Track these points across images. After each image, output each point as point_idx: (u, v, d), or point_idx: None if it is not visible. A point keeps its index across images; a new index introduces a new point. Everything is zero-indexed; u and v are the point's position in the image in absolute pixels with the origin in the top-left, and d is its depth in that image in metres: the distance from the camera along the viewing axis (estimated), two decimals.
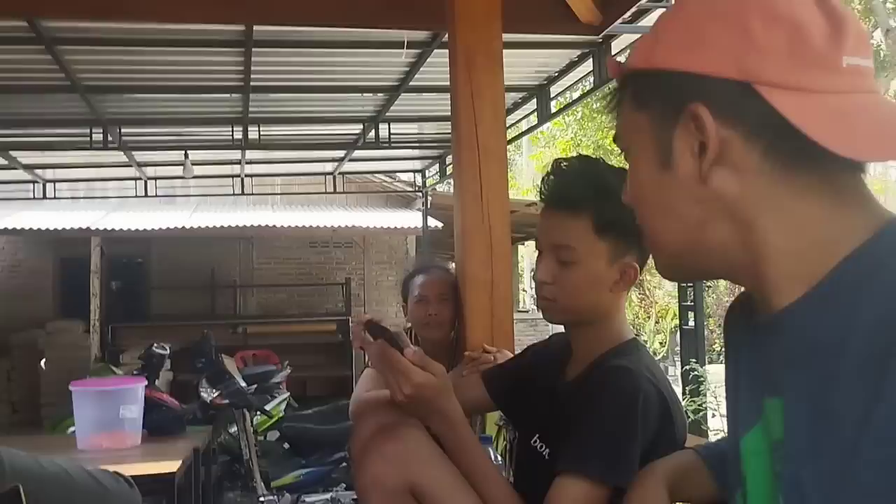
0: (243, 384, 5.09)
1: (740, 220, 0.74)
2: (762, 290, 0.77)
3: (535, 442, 1.53)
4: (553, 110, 6.31)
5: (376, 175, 11.17)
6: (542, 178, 1.53)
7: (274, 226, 9.87)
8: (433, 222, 10.33)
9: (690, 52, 0.74)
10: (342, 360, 11.12)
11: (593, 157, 1.57)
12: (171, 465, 3.30)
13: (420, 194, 10.53)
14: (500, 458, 2.23)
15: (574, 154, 1.55)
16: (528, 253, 16.13)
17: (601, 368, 1.40)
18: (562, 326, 1.59)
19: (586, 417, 1.35)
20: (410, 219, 10.80)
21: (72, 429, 4.64)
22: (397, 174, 11.18)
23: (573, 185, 1.46)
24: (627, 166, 0.86)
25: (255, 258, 12.08)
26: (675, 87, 0.75)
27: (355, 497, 5.22)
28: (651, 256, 0.87)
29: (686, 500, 1.15)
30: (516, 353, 2.63)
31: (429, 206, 10.25)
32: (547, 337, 1.72)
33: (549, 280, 1.48)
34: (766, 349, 0.78)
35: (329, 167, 9.54)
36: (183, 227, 9.52)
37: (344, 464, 5.30)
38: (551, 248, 1.49)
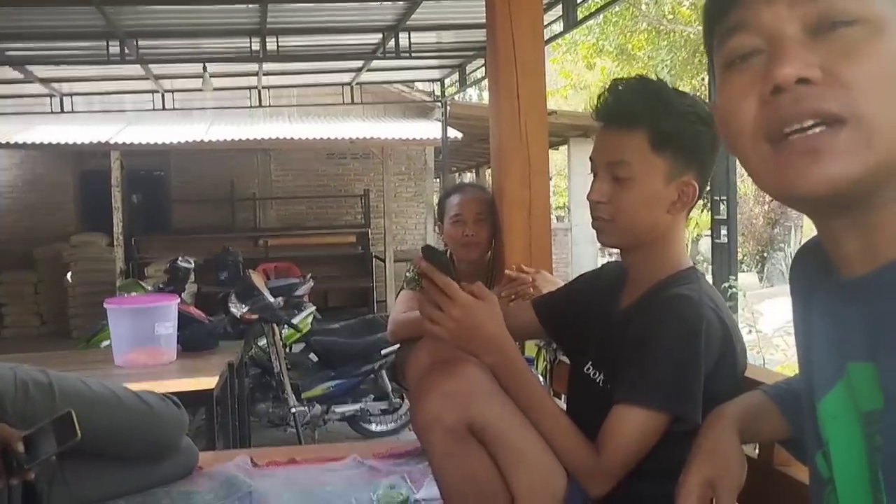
0: (271, 299, 5.14)
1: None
2: (866, 240, 0.73)
3: (589, 369, 1.53)
4: (579, 17, 6.12)
5: (394, 85, 10.99)
6: (598, 97, 1.48)
7: (291, 138, 9.78)
8: (452, 133, 10.20)
9: None
10: (363, 271, 11.21)
11: (651, 77, 1.51)
12: (209, 382, 3.38)
13: (439, 104, 10.38)
14: (541, 378, 2.26)
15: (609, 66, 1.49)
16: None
17: (661, 296, 1.38)
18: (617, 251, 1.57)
19: (647, 347, 1.34)
20: (429, 129, 10.67)
21: (105, 342, 4.74)
22: (415, 84, 11.00)
23: (630, 100, 1.42)
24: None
25: (272, 170, 12.04)
26: None
27: (383, 407, 5.39)
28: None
29: (758, 440, 1.15)
30: (552, 272, 2.65)
31: (448, 116, 10.12)
32: (598, 266, 1.70)
33: (604, 199, 1.44)
34: (853, 308, 0.74)
35: (346, 78, 9.40)
36: (201, 141, 9.46)
37: (372, 375, 5.40)
38: (606, 165, 1.45)
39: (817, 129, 0.67)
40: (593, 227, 1.49)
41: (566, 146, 13.14)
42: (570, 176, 13.37)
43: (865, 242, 0.73)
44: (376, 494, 2.14)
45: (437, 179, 12.96)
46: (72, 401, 2.05)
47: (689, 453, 1.11)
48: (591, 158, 1.49)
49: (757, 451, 1.38)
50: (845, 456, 0.75)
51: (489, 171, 16.04)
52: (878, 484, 0.70)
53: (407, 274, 2.76)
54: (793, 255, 0.91)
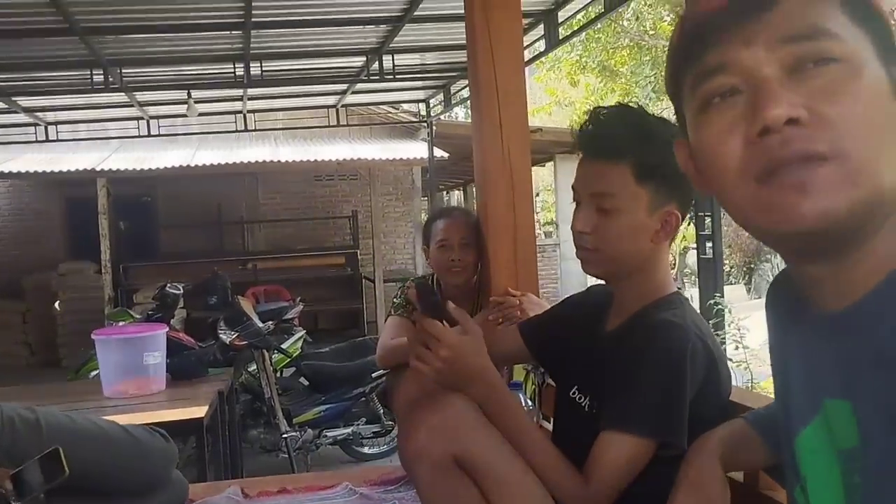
0: (260, 325, 5.13)
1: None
2: (838, 276, 0.73)
3: (574, 393, 1.54)
4: (560, 36, 6.17)
5: (380, 106, 11.02)
6: (581, 127, 1.49)
7: (278, 161, 9.79)
8: (439, 152, 10.24)
9: None
10: (352, 292, 11.20)
11: (632, 104, 1.53)
12: (199, 411, 3.37)
13: (425, 125, 10.42)
14: (530, 402, 2.27)
15: (609, 102, 1.50)
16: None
17: (646, 322, 1.40)
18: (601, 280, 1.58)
19: (634, 374, 1.35)
20: (415, 149, 10.70)
21: (94, 373, 4.72)
22: (401, 105, 11.04)
23: (613, 132, 1.44)
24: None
25: (260, 193, 12.04)
26: None
27: (376, 430, 5.37)
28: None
29: (741, 468, 1.16)
30: (539, 294, 2.67)
31: (434, 135, 10.16)
32: (584, 288, 1.71)
33: (588, 230, 1.46)
34: (828, 344, 0.74)
35: (331, 100, 9.42)
36: (188, 166, 9.46)
37: (363, 399, 5.38)
38: (590, 196, 1.46)
39: (805, 167, 0.68)
40: (577, 256, 1.50)
41: (552, 163, 13.21)
42: (556, 192, 13.44)
43: (839, 279, 0.73)
44: None
45: (425, 198, 13.00)
46: (59, 436, 2.04)
47: (674, 483, 1.12)
48: (573, 188, 1.50)
49: (742, 475, 1.39)
50: (823, 492, 0.75)
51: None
52: None
53: (395, 300, 2.77)
54: (777, 270, 0.91)
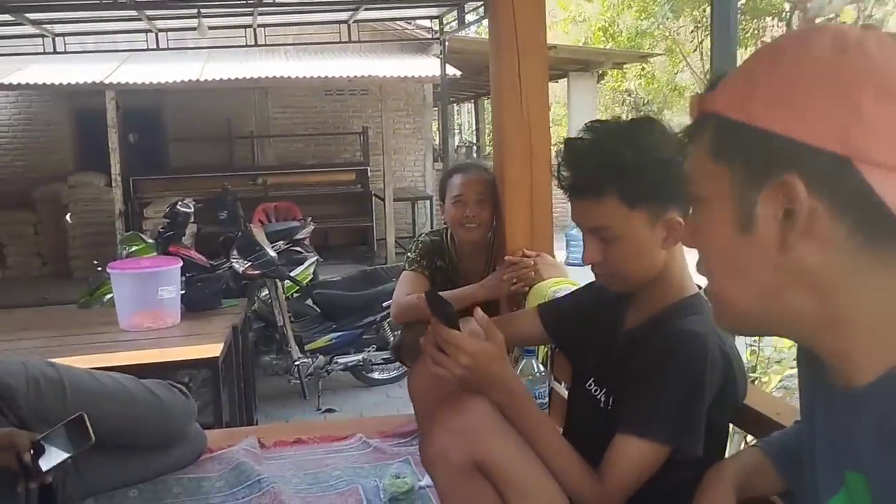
0: (273, 254, 5.17)
1: (819, 292, 0.72)
2: (840, 363, 0.75)
3: (591, 385, 1.57)
4: None
5: (393, 22, 10.77)
6: (558, 167, 1.49)
7: (289, 76, 9.63)
8: (451, 69, 10.06)
9: (792, 116, 0.70)
10: (362, 210, 11.20)
11: (603, 127, 1.50)
12: (214, 349, 3.43)
13: (437, 41, 10.19)
14: (542, 367, 2.30)
15: (584, 127, 1.47)
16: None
17: (668, 328, 1.41)
18: None
19: (653, 380, 1.37)
20: (427, 66, 10.51)
21: (108, 296, 4.77)
22: (414, 20, 10.78)
23: (589, 171, 1.44)
24: (694, 212, 0.82)
25: (270, 108, 11.91)
26: (767, 149, 0.71)
27: (385, 356, 5.47)
28: (714, 307, 0.83)
29: (754, 496, 1.19)
30: (555, 255, 2.67)
31: (446, 52, 9.95)
32: None
33: (598, 259, 1.48)
34: (845, 420, 0.76)
35: (343, 16, 9.20)
36: (197, 80, 9.33)
37: (373, 327, 5.46)
38: (589, 231, 1.48)
39: None
40: (597, 281, 1.52)
41: (566, 79, 12.98)
42: (569, 107, 13.24)
43: (841, 366, 0.76)
44: (382, 483, 2.20)
45: (436, 109, 12.82)
46: (82, 396, 2.10)
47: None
48: (573, 220, 1.52)
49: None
50: None
51: (489, 100, 15.80)
52: None
53: (409, 255, 2.77)
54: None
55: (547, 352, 2.38)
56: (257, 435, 2.61)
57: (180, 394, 2.33)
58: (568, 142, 1.48)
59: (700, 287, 1.54)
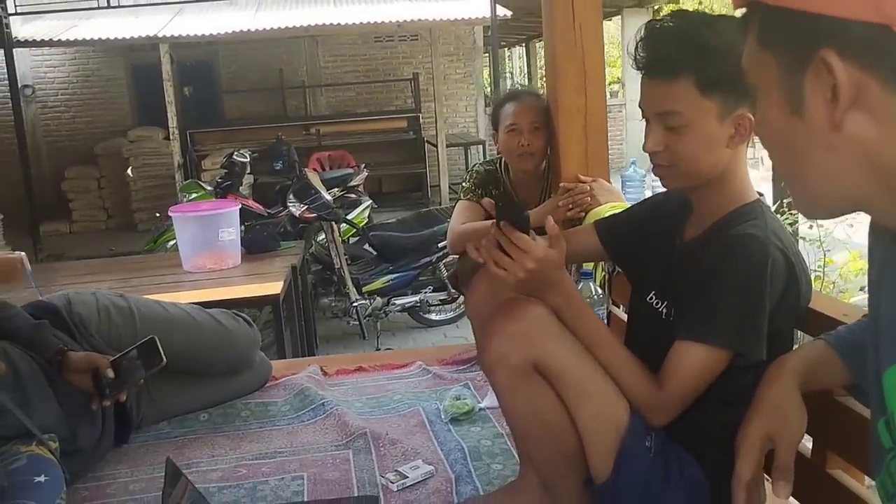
0: (328, 197, 5.22)
1: (879, 165, 0.71)
2: None
3: (651, 298, 1.56)
4: None
5: None
6: (636, 45, 1.45)
7: (338, 23, 9.60)
8: (501, 10, 9.89)
9: None
10: (415, 156, 11.20)
11: (687, 12, 1.47)
12: (275, 287, 3.50)
13: None
14: (599, 290, 2.29)
15: (668, 13, 1.44)
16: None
17: (726, 233, 1.39)
18: None
19: (713, 285, 1.36)
20: (477, 7, 10.35)
21: (171, 242, 4.90)
22: None
23: (669, 49, 1.39)
24: (758, 104, 0.81)
25: (320, 56, 11.91)
26: (805, 30, 0.70)
27: (442, 298, 5.52)
28: (791, 193, 0.83)
29: (818, 388, 1.18)
30: (611, 181, 2.64)
31: None
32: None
33: (660, 148, 1.44)
34: None
35: None
36: (248, 30, 9.37)
37: (430, 267, 5.50)
38: (657, 115, 1.44)
39: None
40: (654, 174, 1.49)
41: (619, 17, 12.69)
42: (623, 48, 12.96)
43: None
44: (443, 405, 2.24)
45: (486, 55, 12.67)
46: (151, 324, 2.17)
47: (750, 405, 1.14)
48: (640, 106, 1.47)
49: None
50: None
51: (540, 44, 15.51)
52: None
53: (464, 184, 2.77)
54: None
55: (605, 275, 2.38)
56: (319, 364, 2.67)
57: (244, 322, 2.40)
58: (649, 22, 1.45)
59: (760, 194, 1.51)
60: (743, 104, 1.39)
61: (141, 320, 2.17)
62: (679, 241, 1.53)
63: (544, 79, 2.68)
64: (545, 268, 1.39)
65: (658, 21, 1.44)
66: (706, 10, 1.78)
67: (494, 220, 1.44)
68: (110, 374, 1.92)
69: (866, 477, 1.35)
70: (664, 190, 1.64)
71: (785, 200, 3.46)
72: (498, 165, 2.76)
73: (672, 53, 1.38)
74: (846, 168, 0.73)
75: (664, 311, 1.51)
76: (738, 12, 0.82)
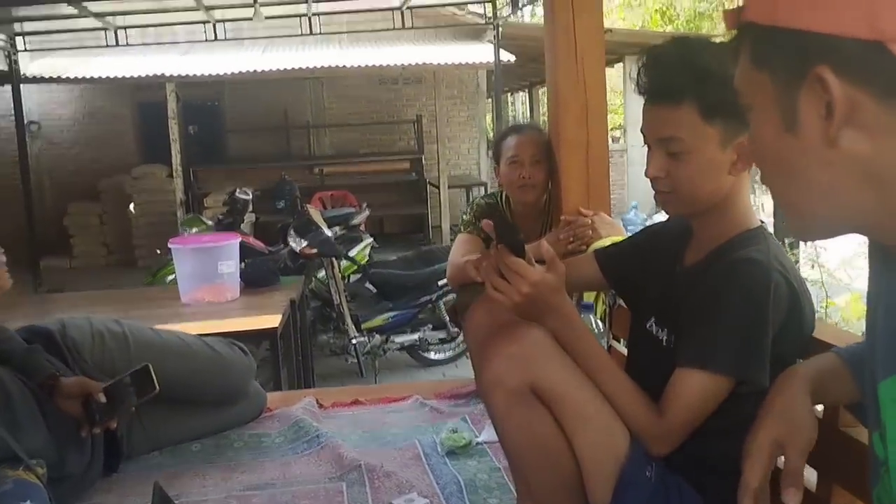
0: (329, 233, 5.22)
1: (876, 181, 0.71)
2: None
3: (651, 325, 1.53)
4: None
5: (445, 8, 10.76)
6: (638, 71, 1.45)
7: (343, 66, 9.72)
8: (505, 55, 10.00)
9: (816, 9, 0.69)
10: (417, 198, 11.25)
11: (689, 37, 1.47)
12: (273, 320, 3.47)
13: (491, 26, 10.14)
14: (600, 323, 2.27)
15: (667, 35, 1.45)
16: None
17: (728, 259, 1.37)
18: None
19: (714, 311, 1.34)
20: (481, 52, 10.47)
21: (171, 277, 4.88)
22: (467, 6, 10.75)
23: (671, 75, 1.39)
24: (751, 124, 0.82)
25: (325, 98, 12.02)
26: (799, 48, 0.71)
27: (441, 336, 5.48)
28: (784, 216, 0.83)
29: (829, 403, 1.15)
30: (611, 212, 2.63)
31: (500, 37, 9.90)
32: (664, 219, 1.67)
33: (661, 174, 1.43)
34: None
35: (396, 2, 9.23)
36: (254, 71, 9.47)
37: (430, 306, 5.47)
38: (659, 141, 1.43)
39: None
40: (656, 200, 1.48)
41: (621, 64, 12.82)
42: (625, 94, 13.08)
43: None
44: (439, 437, 2.20)
45: (490, 100, 12.77)
46: (145, 350, 2.14)
47: (759, 412, 1.11)
48: (641, 132, 1.47)
49: (822, 410, 1.38)
50: None
51: (543, 90, 15.66)
52: None
53: (464, 217, 2.77)
54: None
55: (605, 309, 2.35)
56: (315, 396, 2.63)
57: (240, 351, 2.37)
58: (652, 48, 1.45)
59: (763, 222, 1.50)
60: (745, 131, 1.38)
61: (135, 346, 2.14)
62: (679, 268, 1.51)
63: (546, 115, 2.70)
64: (542, 291, 1.37)
65: (660, 47, 1.44)
66: (707, 37, 1.81)
67: (494, 242, 1.42)
68: (102, 399, 1.89)
69: None
70: (665, 218, 1.63)
71: (786, 240, 3.47)
72: (499, 199, 2.76)
73: (675, 79, 1.38)
74: (841, 184, 0.73)
75: (664, 338, 1.49)
76: (730, 34, 0.83)
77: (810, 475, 1.40)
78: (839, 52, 0.68)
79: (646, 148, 1.47)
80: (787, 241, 3.38)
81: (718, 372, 1.33)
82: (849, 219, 0.76)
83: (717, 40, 1.53)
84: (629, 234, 2.15)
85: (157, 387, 1.92)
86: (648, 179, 1.45)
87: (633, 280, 1.66)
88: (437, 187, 10.60)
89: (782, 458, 1.10)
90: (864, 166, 0.71)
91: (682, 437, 1.36)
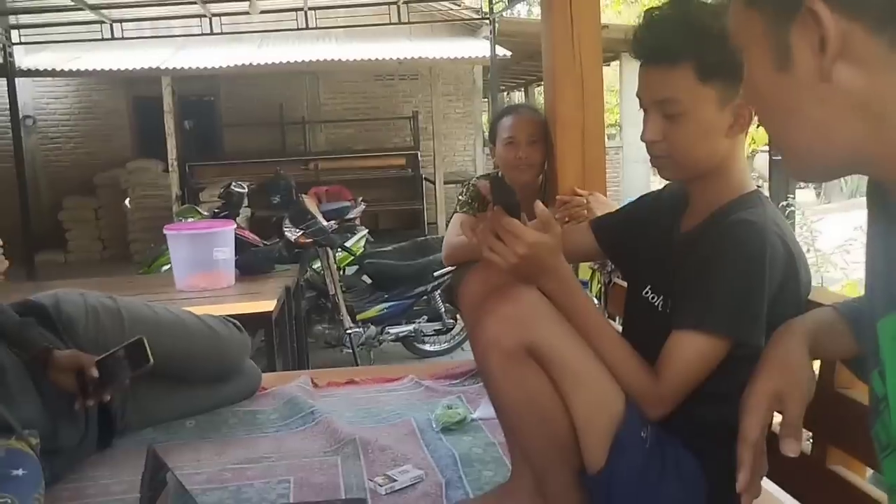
0: (324, 223, 5.21)
1: (871, 114, 0.70)
2: None
3: (647, 293, 1.53)
4: None
5: (441, 3, 10.77)
6: (634, 33, 1.44)
7: (339, 59, 9.71)
8: (501, 51, 10.01)
9: None
10: (413, 193, 11.24)
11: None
12: (268, 305, 3.46)
13: (487, 21, 10.15)
14: (596, 301, 2.27)
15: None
16: None
17: (724, 221, 1.36)
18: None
19: (710, 272, 1.33)
20: (477, 48, 10.48)
21: (165, 267, 4.87)
22: (463, 1, 10.76)
23: (668, 35, 1.38)
24: (745, 67, 0.81)
25: (321, 93, 12.02)
26: None
27: (437, 328, 5.47)
28: (781, 157, 0.82)
29: (826, 357, 1.15)
30: (606, 195, 2.63)
31: (496, 33, 9.90)
32: (662, 186, 1.67)
33: (658, 138, 1.42)
34: None
35: None
36: (250, 64, 9.46)
37: (425, 297, 5.47)
38: (655, 104, 1.42)
39: None
40: (652, 164, 1.47)
41: (618, 62, 12.82)
42: (621, 92, 13.09)
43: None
44: (434, 414, 2.20)
45: (486, 99, 12.78)
46: (140, 326, 2.13)
47: (757, 365, 1.11)
48: (637, 95, 1.46)
49: (818, 373, 1.38)
50: (895, 376, 0.76)
51: (539, 89, 15.66)
52: None
53: (460, 197, 2.76)
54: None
55: (601, 287, 2.35)
56: (311, 376, 2.62)
57: (234, 328, 2.36)
58: (648, 9, 1.44)
59: (759, 186, 1.49)
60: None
61: (129, 322, 2.13)
62: (676, 233, 1.51)
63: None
64: (538, 253, 1.36)
65: (657, 8, 1.43)
66: None
67: (492, 203, 1.42)
68: (95, 373, 1.88)
69: (868, 470, 1.31)
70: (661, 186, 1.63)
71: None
72: (497, 175, 2.75)
73: (670, 39, 1.37)
74: (837, 120, 0.72)
75: (660, 304, 1.48)
76: None
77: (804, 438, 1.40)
78: None
79: (642, 112, 1.46)
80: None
81: (714, 332, 1.32)
82: (846, 156, 0.75)
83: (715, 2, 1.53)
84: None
85: (151, 360, 1.91)
86: (644, 143, 1.45)
87: (629, 249, 1.65)
88: (433, 183, 10.60)
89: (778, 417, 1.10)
90: (858, 100, 0.70)
91: (678, 400, 1.36)
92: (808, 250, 3.62)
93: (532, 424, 1.40)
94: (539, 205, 1.43)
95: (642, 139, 1.45)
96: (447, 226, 9.36)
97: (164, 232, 3.99)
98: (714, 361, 1.34)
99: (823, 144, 0.75)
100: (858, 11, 0.67)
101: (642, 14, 1.43)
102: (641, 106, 1.46)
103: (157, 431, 2.21)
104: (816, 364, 1.25)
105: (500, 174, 2.74)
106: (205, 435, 2.18)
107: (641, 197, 1.74)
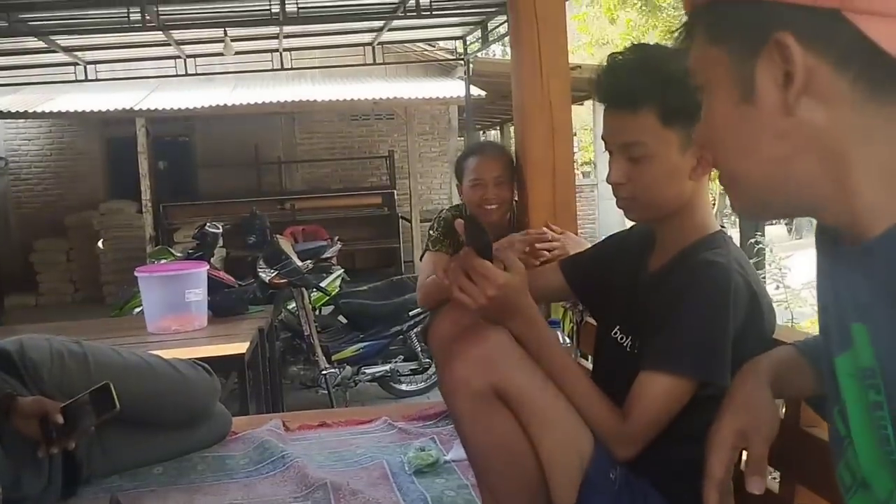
0: (299, 263, 5.18)
1: (829, 152, 0.71)
2: (848, 224, 0.74)
3: (616, 333, 1.53)
4: None
5: (416, 44, 10.89)
6: (597, 77, 1.46)
7: (315, 100, 9.77)
8: (476, 91, 10.11)
9: None
10: (389, 232, 11.25)
11: (648, 44, 1.50)
12: (240, 347, 3.43)
13: (461, 62, 10.27)
14: (568, 340, 2.26)
15: (628, 43, 1.48)
16: None
17: (690, 262, 1.38)
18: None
19: (675, 313, 1.34)
20: (452, 88, 10.59)
21: (137, 310, 4.81)
22: (437, 42, 10.89)
23: (630, 80, 1.40)
24: (703, 104, 0.82)
25: (297, 133, 12.06)
26: (757, 17, 0.72)
27: (413, 367, 5.44)
28: (728, 197, 0.84)
29: (789, 396, 1.15)
30: (579, 234, 2.64)
31: (471, 73, 10.01)
32: (628, 227, 1.69)
33: (623, 180, 1.44)
34: (853, 276, 0.76)
35: (368, 38, 9.32)
36: (225, 105, 9.48)
37: (401, 336, 5.44)
38: (620, 147, 1.44)
39: None
40: (618, 206, 1.49)
41: (591, 101, 12.99)
42: (595, 131, 13.24)
43: (850, 227, 0.75)
44: (407, 456, 2.17)
45: (461, 138, 12.88)
46: (106, 370, 2.10)
47: (721, 405, 1.11)
48: (602, 138, 1.48)
49: (783, 410, 1.38)
50: (857, 414, 0.77)
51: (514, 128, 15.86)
52: (887, 440, 0.72)
53: (431, 233, 2.74)
54: None
55: (573, 326, 2.35)
56: (282, 419, 2.59)
57: (204, 371, 2.33)
58: (611, 55, 1.46)
59: (722, 227, 1.51)
60: None
61: (95, 366, 2.10)
62: (643, 274, 1.52)
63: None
64: (507, 294, 1.36)
65: (619, 53, 1.46)
66: (666, 45, 1.86)
67: (464, 244, 1.42)
68: (59, 419, 1.84)
69: None
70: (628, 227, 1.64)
71: (751, 261, 3.50)
72: (464, 210, 2.75)
73: (634, 84, 1.40)
74: (795, 156, 0.73)
75: (629, 345, 1.49)
76: (682, 21, 0.84)
77: (771, 478, 1.40)
78: (798, 20, 0.68)
79: (607, 154, 1.48)
80: (752, 261, 3.41)
81: (681, 374, 1.33)
82: (798, 195, 0.76)
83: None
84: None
85: (118, 405, 1.88)
86: (610, 185, 1.46)
87: (597, 289, 1.66)
88: (410, 221, 10.62)
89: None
90: (817, 136, 0.71)
91: (645, 441, 1.35)
92: (778, 287, 3.65)
93: (500, 466, 1.39)
94: (502, 246, 1.43)
95: (608, 181, 1.47)
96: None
97: (136, 274, 3.95)
98: (681, 402, 1.34)
99: (778, 181, 0.75)
100: (823, 47, 0.68)
101: (605, 59, 1.46)
102: (607, 148, 1.48)
103: (123, 478, 2.16)
104: (780, 402, 1.26)
105: (462, 208, 2.73)
106: (173, 481, 2.14)
107: (609, 237, 1.76)
